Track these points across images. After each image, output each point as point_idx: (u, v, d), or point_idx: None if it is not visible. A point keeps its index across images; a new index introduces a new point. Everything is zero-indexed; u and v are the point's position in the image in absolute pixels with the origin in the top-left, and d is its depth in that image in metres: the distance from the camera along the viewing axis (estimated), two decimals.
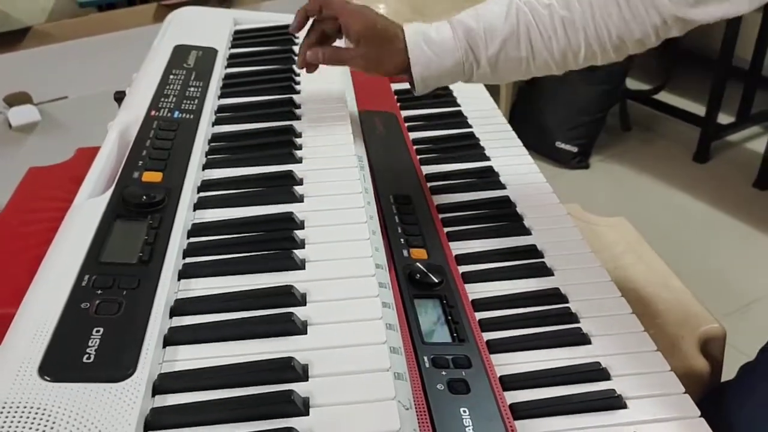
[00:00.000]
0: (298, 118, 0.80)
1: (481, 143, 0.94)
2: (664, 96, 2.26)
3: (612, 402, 0.56)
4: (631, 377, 0.58)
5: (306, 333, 0.51)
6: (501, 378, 0.58)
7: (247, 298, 0.53)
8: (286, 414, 0.44)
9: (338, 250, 0.60)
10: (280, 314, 0.52)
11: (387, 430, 0.44)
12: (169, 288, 0.52)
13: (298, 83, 0.88)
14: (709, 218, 1.91)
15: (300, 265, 0.57)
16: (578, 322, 0.65)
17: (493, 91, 2.12)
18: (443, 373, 0.57)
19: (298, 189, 0.67)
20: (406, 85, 1.12)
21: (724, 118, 2.14)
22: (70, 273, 0.52)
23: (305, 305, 0.53)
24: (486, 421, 0.53)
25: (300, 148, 0.75)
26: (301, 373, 0.47)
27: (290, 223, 0.62)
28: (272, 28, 1.05)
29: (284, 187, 0.67)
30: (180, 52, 0.92)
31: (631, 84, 2.29)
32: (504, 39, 0.71)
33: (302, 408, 0.45)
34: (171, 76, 0.84)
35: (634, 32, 0.68)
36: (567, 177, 2.07)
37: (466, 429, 0.52)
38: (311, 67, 0.79)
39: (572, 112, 2.08)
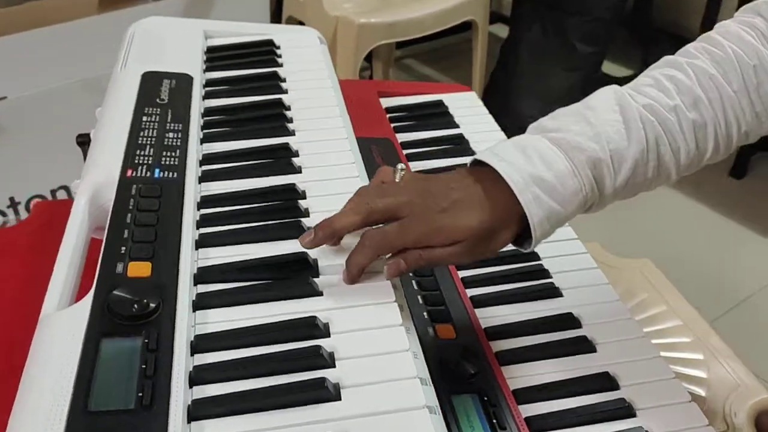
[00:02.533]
0: (298, 171, 0.69)
1: None
2: None
3: None
4: None
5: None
6: None
7: None
8: None
9: None
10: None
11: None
12: None
13: (290, 120, 0.77)
14: (688, 209, 1.88)
15: None
16: (635, 415, 0.58)
17: (466, 80, 2.02)
18: None
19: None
20: (396, 102, 1.05)
21: None
22: (56, 429, 0.41)
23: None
24: None
25: (305, 197, 0.65)
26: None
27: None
28: (249, 45, 0.93)
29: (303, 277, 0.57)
30: (150, 82, 0.79)
31: (608, 69, 2.22)
32: (634, 163, 0.55)
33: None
34: (144, 118, 0.72)
35: (764, 125, 0.58)
36: None
37: None
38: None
39: (548, 100, 2.00)
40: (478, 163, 0.57)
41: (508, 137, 0.59)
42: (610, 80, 2.20)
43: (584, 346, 0.64)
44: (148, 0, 1.86)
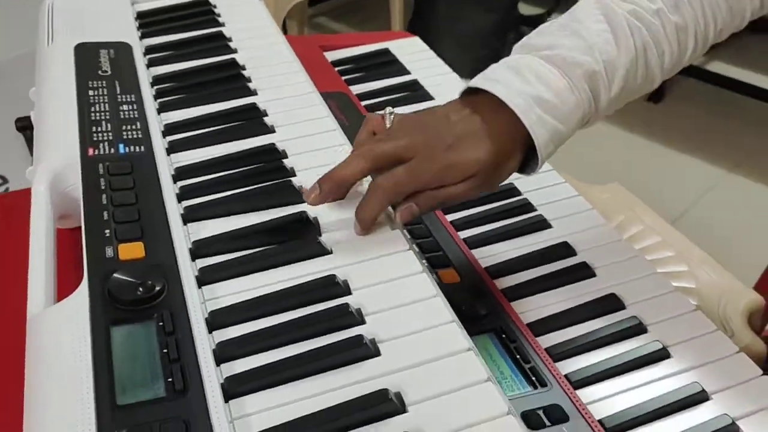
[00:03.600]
0: (272, 130, 0.65)
1: None
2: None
3: (728, 429, 0.51)
4: (731, 393, 0.53)
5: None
6: (601, 422, 0.51)
7: (334, 414, 0.41)
8: None
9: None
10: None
11: None
12: (224, 422, 0.39)
13: (249, 80, 0.73)
14: (613, 138, 1.93)
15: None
16: (647, 331, 0.58)
17: (384, 24, 1.98)
18: None
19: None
20: (340, 55, 1.01)
21: None
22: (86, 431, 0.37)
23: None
24: None
25: (287, 157, 0.62)
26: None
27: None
28: (182, 6, 0.87)
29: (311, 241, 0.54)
30: (85, 54, 0.73)
31: (524, 9, 2.24)
32: (626, 72, 0.54)
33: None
34: (90, 92, 0.66)
35: (735, 20, 0.58)
36: None
37: None
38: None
39: (466, 45, 2.00)
40: (472, 92, 0.55)
41: None
42: (526, 20, 2.23)
43: (585, 272, 0.64)
44: None
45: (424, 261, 0.55)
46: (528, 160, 0.55)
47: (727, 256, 0.96)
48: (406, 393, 0.41)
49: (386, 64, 0.97)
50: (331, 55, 1.00)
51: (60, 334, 0.43)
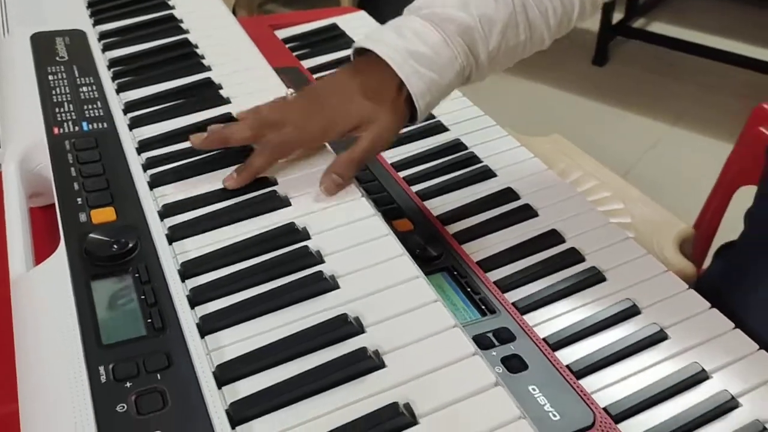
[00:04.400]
0: (227, 101, 0.69)
1: None
2: None
3: (657, 336, 0.56)
4: (659, 306, 0.59)
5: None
6: (546, 340, 0.57)
7: (298, 340, 0.46)
8: None
9: None
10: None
11: None
12: (202, 351, 0.44)
13: (202, 57, 0.76)
14: (561, 103, 2.00)
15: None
16: (585, 259, 0.64)
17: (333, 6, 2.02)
18: (493, 353, 0.55)
19: None
20: (290, 33, 1.05)
21: None
22: (76, 369, 0.41)
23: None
24: (559, 394, 0.52)
25: None
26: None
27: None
28: None
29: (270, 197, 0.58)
30: (42, 43, 0.76)
31: None
32: (504, 26, 0.58)
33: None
34: (50, 77, 0.69)
35: None
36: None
37: (545, 409, 0.51)
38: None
39: None
40: (359, 53, 0.60)
41: None
42: None
43: (528, 212, 0.69)
44: None
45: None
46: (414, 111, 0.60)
47: (672, 202, 1.03)
48: (364, 316, 0.46)
49: (334, 38, 1.01)
50: (282, 33, 1.04)
51: (43, 291, 0.47)
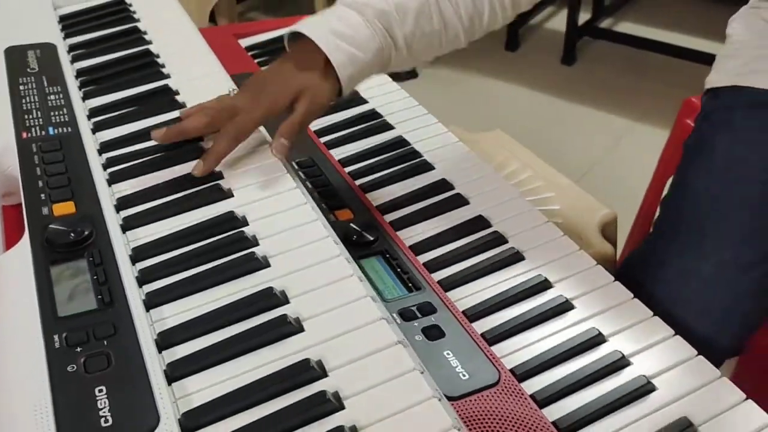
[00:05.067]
0: (183, 105, 0.76)
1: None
2: None
3: (563, 306, 0.63)
4: (569, 281, 0.66)
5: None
6: (464, 312, 0.63)
7: (229, 311, 0.52)
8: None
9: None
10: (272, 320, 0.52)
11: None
12: (146, 322, 0.50)
13: (163, 66, 0.83)
14: (530, 100, 2.07)
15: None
16: (507, 242, 0.71)
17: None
18: (415, 324, 0.61)
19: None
20: (253, 41, 1.11)
21: None
22: (34, 338, 0.48)
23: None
24: (470, 357, 0.58)
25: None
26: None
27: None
28: (101, 7, 0.97)
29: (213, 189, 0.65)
30: (15, 55, 0.82)
31: None
32: (417, 13, 0.67)
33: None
34: (21, 87, 0.76)
35: None
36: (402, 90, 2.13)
37: (456, 370, 0.57)
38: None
39: None
40: (291, 39, 0.70)
41: None
42: None
43: (459, 201, 0.76)
44: None
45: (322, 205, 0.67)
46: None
47: (633, 195, 1.09)
48: (288, 289, 0.53)
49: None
50: (246, 41, 1.10)
51: (9, 274, 0.54)
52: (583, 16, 2.24)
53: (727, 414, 0.54)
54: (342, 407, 0.45)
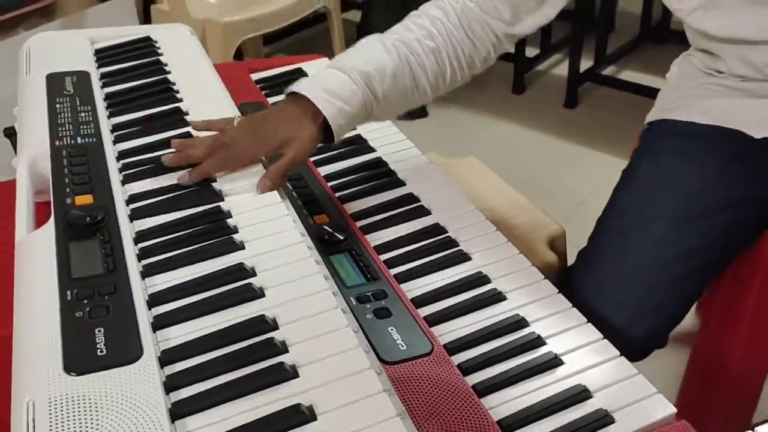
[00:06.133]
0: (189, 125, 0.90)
1: None
2: None
3: (496, 297, 0.74)
4: (505, 278, 0.77)
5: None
6: (412, 299, 0.75)
7: (205, 281, 0.65)
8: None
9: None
10: (239, 288, 0.64)
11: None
12: (140, 289, 0.63)
13: (177, 92, 0.97)
14: (533, 140, 2.19)
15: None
16: (458, 245, 0.82)
17: (329, 55, 2.26)
18: (368, 306, 0.73)
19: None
20: (263, 75, 1.26)
21: (531, 51, 2.43)
22: (52, 293, 0.61)
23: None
24: (410, 333, 0.69)
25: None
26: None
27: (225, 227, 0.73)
28: (130, 43, 1.12)
29: (207, 190, 0.78)
30: (54, 80, 0.97)
31: None
32: (393, 73, 0.81)
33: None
34: (57, 105, 0.91)
35: (481, 51, 0.85)
36: (411, 128, 2.26)
37: (397, 342, 0.68)
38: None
39: None
40: (288, 96, 0.82)
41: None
42: None
43: (422, 211, 0.87)
44: (19, 32, 1.98)
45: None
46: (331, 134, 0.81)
47: None
48: (262, 265, 0.65)
49: (296, 78, 1.21)
50: (257, 75, 1.25)
51: (37, 246, 0.67)
52: (588, 63, 2.37)
53: (620, 385, 0.64)
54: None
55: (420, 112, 2.31)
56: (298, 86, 0.81)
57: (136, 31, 1.17)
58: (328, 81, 0.80)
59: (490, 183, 1.03)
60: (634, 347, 0.79)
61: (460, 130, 2.27)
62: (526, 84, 2.42)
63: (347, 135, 0.88)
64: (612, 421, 0.61)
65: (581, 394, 0.63)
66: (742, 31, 0.85)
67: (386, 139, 1.04)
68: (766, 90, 0.88)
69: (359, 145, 1.02)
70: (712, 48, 0.91)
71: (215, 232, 0.70)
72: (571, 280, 0.86)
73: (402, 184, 0.93)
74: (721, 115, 0.89)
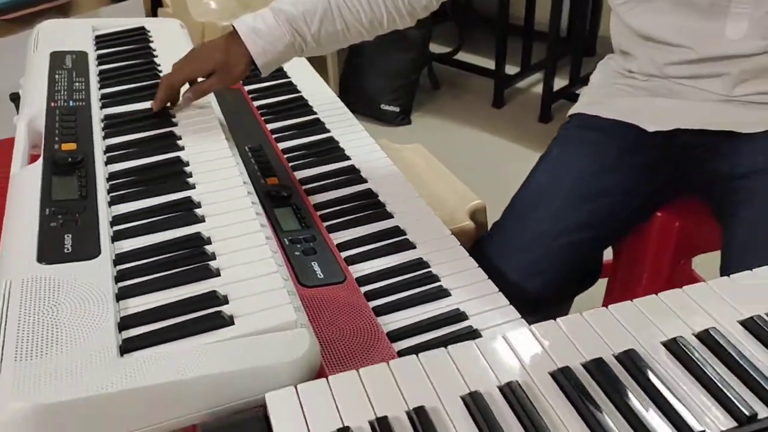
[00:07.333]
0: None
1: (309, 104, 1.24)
2: (462, 56, 2.68)
3: (407, 245, 0.88)
4: (425, 243, 0.91)
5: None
6: (338, 245, 0.89)
7: (158, 210, 0.80)
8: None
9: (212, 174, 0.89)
10: (182, 214, 0.79)
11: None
12: (105, 212, 0.78)
13: (161, 72, 1.13)
14: (510, 151, 2.34)
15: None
16: (385, 206, 0.97)
17: (322, 69, 2.43)
18: (298, 245, 0.87)
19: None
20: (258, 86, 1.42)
21: (511, 69, 2.59)
22: (35, 209, 0.76)
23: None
24: (329, 267, 0.84)
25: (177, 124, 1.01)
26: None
27: (181, 166, 0.88)
28: (126, 31, 1.28)
29: (169, 144, 0.93)
30: (57, 57, 1.13)
31: (434, 48, 2.69)
32: (321, 18, 0.92)
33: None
34: (57, 75, 1.06)
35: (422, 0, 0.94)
36: (394, 134, 2.43)
37: (317, 272, 0.83)
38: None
39: (390, 77, 2.44)
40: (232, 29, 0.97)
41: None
42: (435, 57, 2.65)
43: (358, 177, 1.02)
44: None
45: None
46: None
47: None
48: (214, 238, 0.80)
49: (282, 86, 1.37)
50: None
51: (27, 177, 0.82)
52: (564, 83, 2.52)
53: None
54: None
55: (403, 119, 2.47)
56: (238, 22, 0.95)
57: (133, 23, 1.34)
58: (259, 21, 0.93)
59: (432, 168, 1.18)
60: (528, 299, 0.93)
61: (442, 138, 2.42)
62: (506, 99, 2.58)
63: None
64: (479, 335, 0.75)
65: (457, 316, 0.77)
66: (660, 31, 0.98)
67: (342, 123, 1.19)
68: (664, 88, 1.02)
69: (316, 127, 1.17)
70: (630, 47, 1.05)
71: (174, 176, 0.85)
72: (482, 245, 1.00)
73: (347, 158, 1.08)
74: (622, 110, 1.04)
